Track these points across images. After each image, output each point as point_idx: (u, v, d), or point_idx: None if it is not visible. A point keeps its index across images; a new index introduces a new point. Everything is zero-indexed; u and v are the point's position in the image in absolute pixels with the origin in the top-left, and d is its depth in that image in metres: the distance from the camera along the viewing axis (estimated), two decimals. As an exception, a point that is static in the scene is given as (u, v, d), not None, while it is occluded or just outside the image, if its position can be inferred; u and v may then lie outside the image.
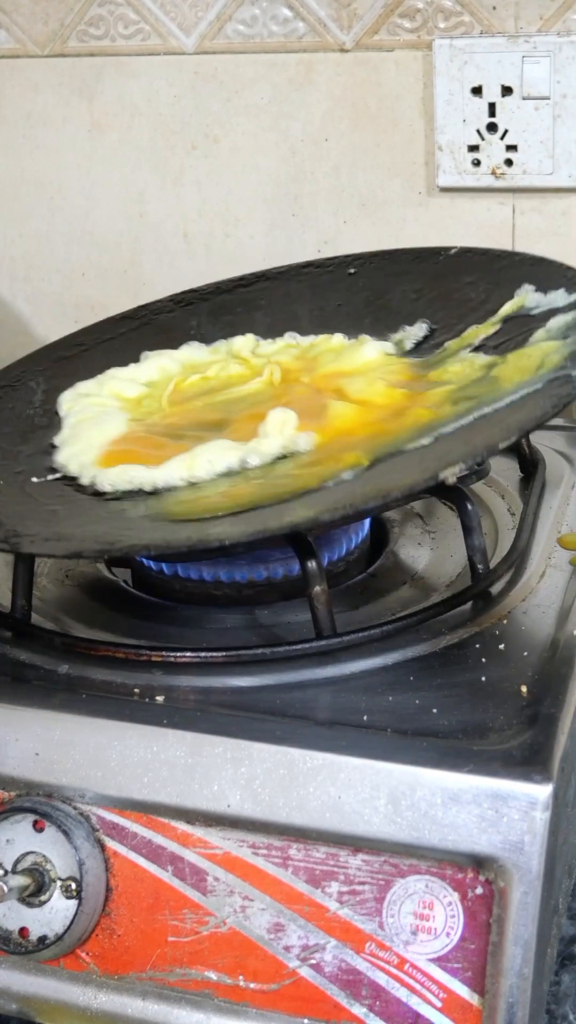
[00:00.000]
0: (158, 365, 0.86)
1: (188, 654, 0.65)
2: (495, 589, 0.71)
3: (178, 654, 0.65)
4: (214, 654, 0.65)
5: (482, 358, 0.77)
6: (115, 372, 0.85)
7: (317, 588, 0.65)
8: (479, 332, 0.80)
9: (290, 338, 0.88)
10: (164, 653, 0.65)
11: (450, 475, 0.63)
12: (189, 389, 0.83)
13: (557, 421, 0.95)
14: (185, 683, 0.63)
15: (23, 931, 0.59)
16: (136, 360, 0.88)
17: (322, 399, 0.76)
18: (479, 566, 0.71)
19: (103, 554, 0.68)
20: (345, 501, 0.63)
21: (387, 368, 0.80)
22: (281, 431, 0.72)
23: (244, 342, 0.87)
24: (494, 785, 0.54)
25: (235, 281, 0.98)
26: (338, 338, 0.86)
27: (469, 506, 0.70)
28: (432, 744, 0.57)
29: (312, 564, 0.65)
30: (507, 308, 0.81)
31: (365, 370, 0.80)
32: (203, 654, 0.65)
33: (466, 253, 0.90)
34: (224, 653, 0.65)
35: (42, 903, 0.59)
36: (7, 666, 0.66)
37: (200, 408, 0.79)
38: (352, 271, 0.94)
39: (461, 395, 0.73)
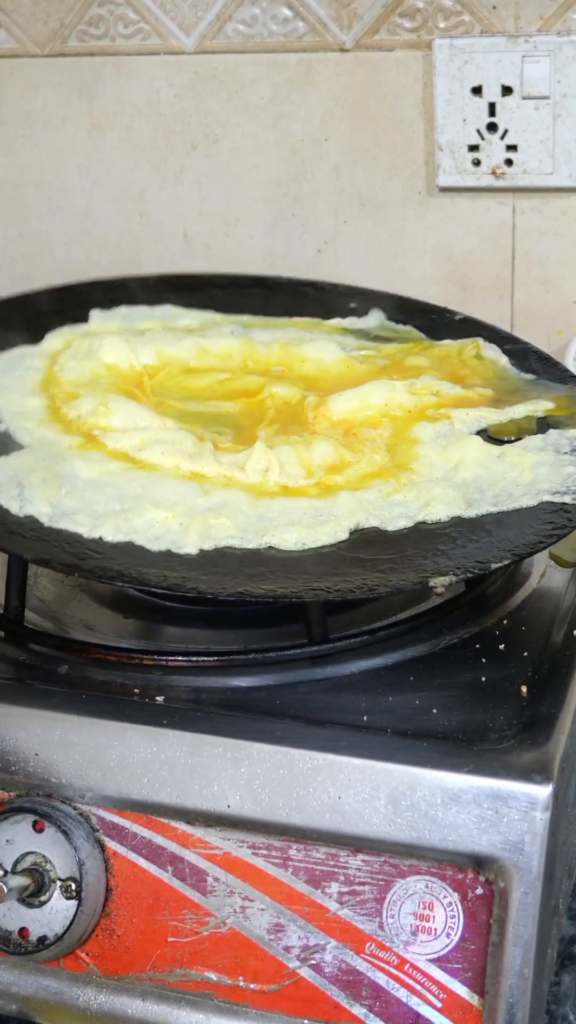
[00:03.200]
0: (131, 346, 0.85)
1: (180, 658, 0.65)
2: (492, 591, 0.70)
3: (170, 657, 0.65)
4: (207, 658, 0.65)
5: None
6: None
7: None
8: (487, 415, 0.78)
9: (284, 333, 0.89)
10: (156, 656, 0.65)
11: (439, 585, 0.63)
12: (169, 385, 0.82)
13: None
14: (185, 683, 0.63)
15: (23, 931, 0.59)
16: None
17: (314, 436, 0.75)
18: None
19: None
20: (328, 584, 0.63)
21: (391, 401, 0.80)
22: (263, 473, 0.71)
23: (239, 346, 0.86)
24: (494, 785, 0.54)
25: (229, 278, 0.99)
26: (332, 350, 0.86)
27: None
28: (432, 744, 0.57)
29: None
30: (525, 411, 0.79)
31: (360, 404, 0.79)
32: (195, 658, 0.65)
33: (468, 321, 0.93)
34: (216, 657, 0.65)
35: (42, 903, 0.59)
36: (7, 667, 0.66)
37: (181, 413, 0.79)
38: (353, 305, 0.95)
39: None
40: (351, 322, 0.93)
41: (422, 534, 0.67)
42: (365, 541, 0.66)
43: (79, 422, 0.74)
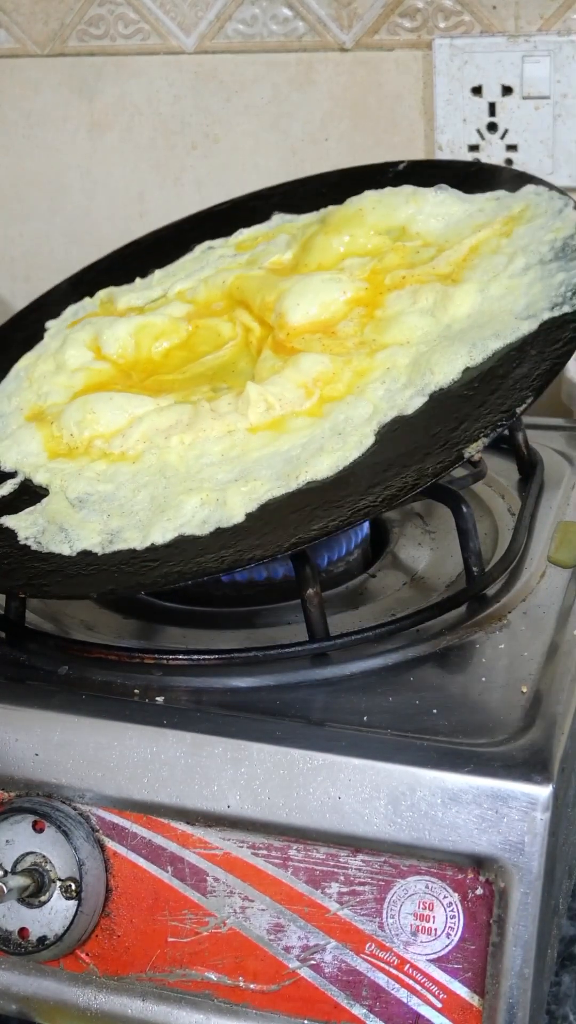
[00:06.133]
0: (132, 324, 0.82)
1: (181, 656, 0.65)
2: (491, 591, 0.70)
3: (171, 656, 0.65)
4: (207, 656, 0.65)
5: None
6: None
7: (310, 591, 0.65)
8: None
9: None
10: (157, 655, 0.65)
11: (474, 452, 0.63)
12: (160, 362, 0.80)
13: (557, 421, 0.95)
14: (185, 684, 0.63)
15: (23, 931, 0.59)
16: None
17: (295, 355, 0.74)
18: (474, 568, 0.71)
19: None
20: (356, 505, 0.63)
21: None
22: (266, 413, 0.71)
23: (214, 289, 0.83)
24: (494, 785, 0.54)
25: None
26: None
27: (463, 508, 0.70)
28: (432, 744, 0.57)
29: (305, 567, 0.65)
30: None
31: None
32: (196, 656, 0.65)
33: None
34: (217, 655, 0.65)
35: (42, 903, 0.59)
36: (6, 667, 0.66)
37: (182, 381, 0.77)
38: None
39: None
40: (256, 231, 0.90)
41: (441, 403, 0.67)
42: (392, 437, 0.66)
43: (75, 441, 0.74)
